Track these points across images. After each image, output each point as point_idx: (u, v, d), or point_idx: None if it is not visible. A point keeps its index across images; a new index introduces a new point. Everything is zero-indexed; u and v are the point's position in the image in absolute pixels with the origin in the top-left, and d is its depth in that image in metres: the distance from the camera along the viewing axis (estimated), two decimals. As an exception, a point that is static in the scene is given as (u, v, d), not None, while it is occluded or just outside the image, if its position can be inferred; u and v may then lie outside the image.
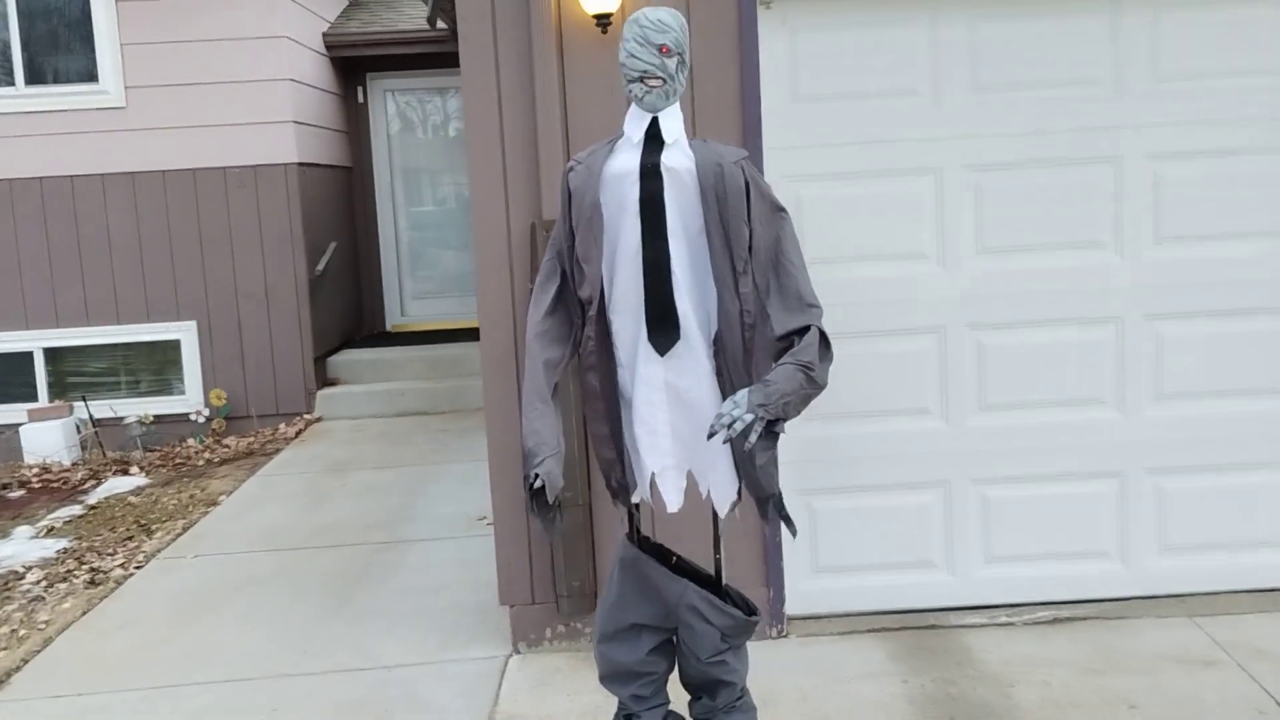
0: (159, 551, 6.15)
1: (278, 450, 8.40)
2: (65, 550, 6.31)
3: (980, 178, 4.33)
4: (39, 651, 4.85)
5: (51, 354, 9.07)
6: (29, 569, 6.02)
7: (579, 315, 3.19)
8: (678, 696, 3.42)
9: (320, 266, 9.42)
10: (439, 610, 4.99)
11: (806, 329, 3.07)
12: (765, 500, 3.20)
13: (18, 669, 4.68)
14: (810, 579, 4.52)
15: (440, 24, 7.78)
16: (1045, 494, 4.49)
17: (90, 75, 8.86)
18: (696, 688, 3.36)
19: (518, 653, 4.46)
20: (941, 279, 4.38)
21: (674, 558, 3.35)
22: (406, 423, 9.04)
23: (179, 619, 5.13)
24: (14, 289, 8.93)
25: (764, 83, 4.23)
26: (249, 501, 7.07)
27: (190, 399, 9.10)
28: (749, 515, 4.22)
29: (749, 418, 2.92)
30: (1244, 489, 4.48)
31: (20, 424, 8.69)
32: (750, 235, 3.08)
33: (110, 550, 6.25)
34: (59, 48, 8.90)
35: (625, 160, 3.09)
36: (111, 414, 8.93)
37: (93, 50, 8.83)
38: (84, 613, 5.28)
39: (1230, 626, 4.30)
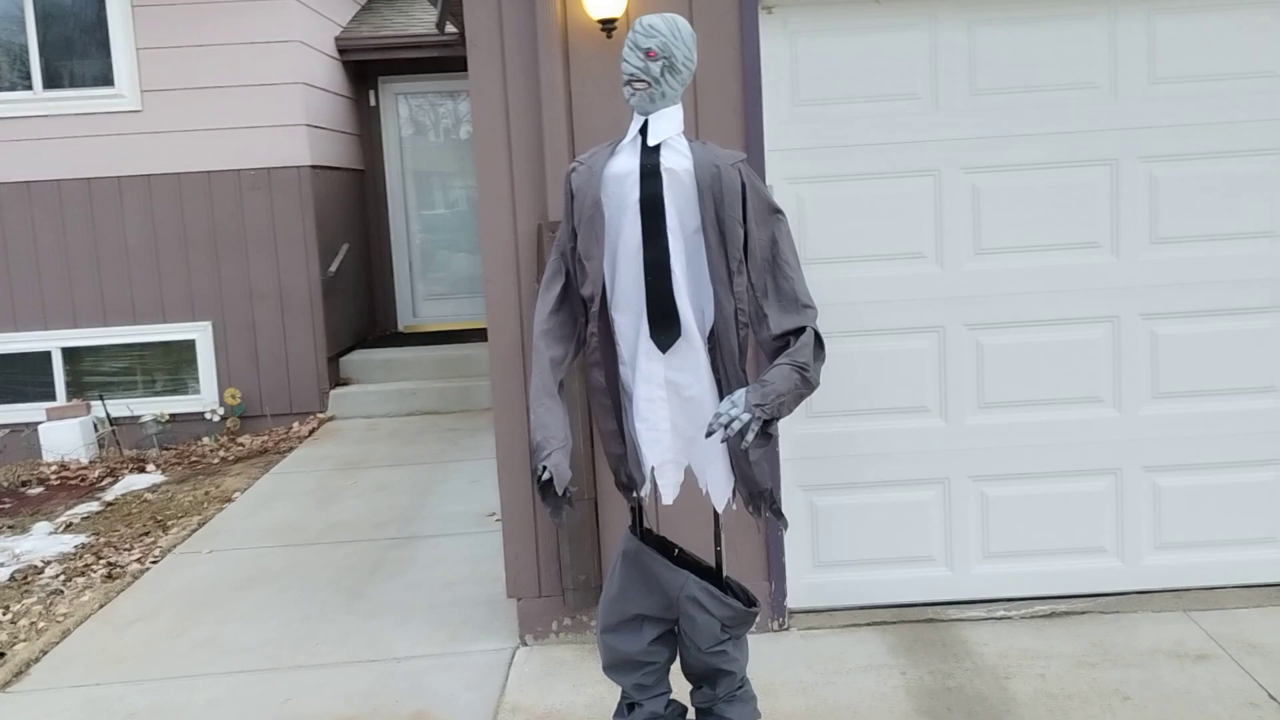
0: (174, 547, 6.26)
1: (291, 448, 8.52)
2: (83, 545, 6.43)
3: (978, 179, 4.40)
4: (58, 643, 4.96)
5: (69, 354, 9.20)
6: (48, 563, 6.14)
7: (583, 313, 3.28)
8: (680, 686, 3.51)
9: (333, 268, 9.53)
10: (448, 604, 5.08)
11: (802, 329, 3.16)
12: (757, 495, 3.28)
13: (37, 659, 4.79)
14: (812, 573, 4.60)
15: (450, 27, 7.89)
16: (1043, 491, 4.56)
17: (106, 79, 8.99)
18: (698, 677, 3.44)
19: (525, 645, 4.55)
20: (940, 279, 4.45)
21: (676, 550, 3.43)
22: (418, 422, 9.14)
23: (194, 612, 5.23)
24: (33, 290, 9.06)
25: (765, 86, 4.31)
26: (262, 498, 7.18)
27: (205, 398, 9.23)
28: (749, 512, 4.31)
29: (746, 417, 3.01)
30: (1239, 486, 4.55)
31: (39, 423, 8.83)
32: (746, 236, 3.16)
33: (127, 545, 6.36)
34: (75, 52, 9.03)
35: (625, 161, 3.18)
36: (128, 413, 9.06)
37: (109, 54, 8.96)
38: (101, 606, 5.39)
39: (1225, 621, 4.37)
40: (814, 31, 4.35)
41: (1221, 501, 4.56)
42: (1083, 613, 4.51)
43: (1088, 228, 4.43)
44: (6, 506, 7.54)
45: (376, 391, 9.52)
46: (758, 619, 4.35)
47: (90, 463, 8.56)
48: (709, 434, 3.06)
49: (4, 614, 5.42)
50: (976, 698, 3.91)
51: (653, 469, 3.28)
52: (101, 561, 6.09)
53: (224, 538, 6.39)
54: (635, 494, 3.37)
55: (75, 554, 6.29)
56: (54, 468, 8.45)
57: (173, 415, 9.07)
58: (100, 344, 9.20)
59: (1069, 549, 4.59)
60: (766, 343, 3.20)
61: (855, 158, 4.40)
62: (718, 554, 3.40)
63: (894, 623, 4.52)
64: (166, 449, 8.83)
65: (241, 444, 8.81)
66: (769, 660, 4.21)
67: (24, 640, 5.05)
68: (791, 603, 4.57)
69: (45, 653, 4.86)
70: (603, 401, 3.32)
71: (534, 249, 4.33)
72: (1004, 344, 4.48)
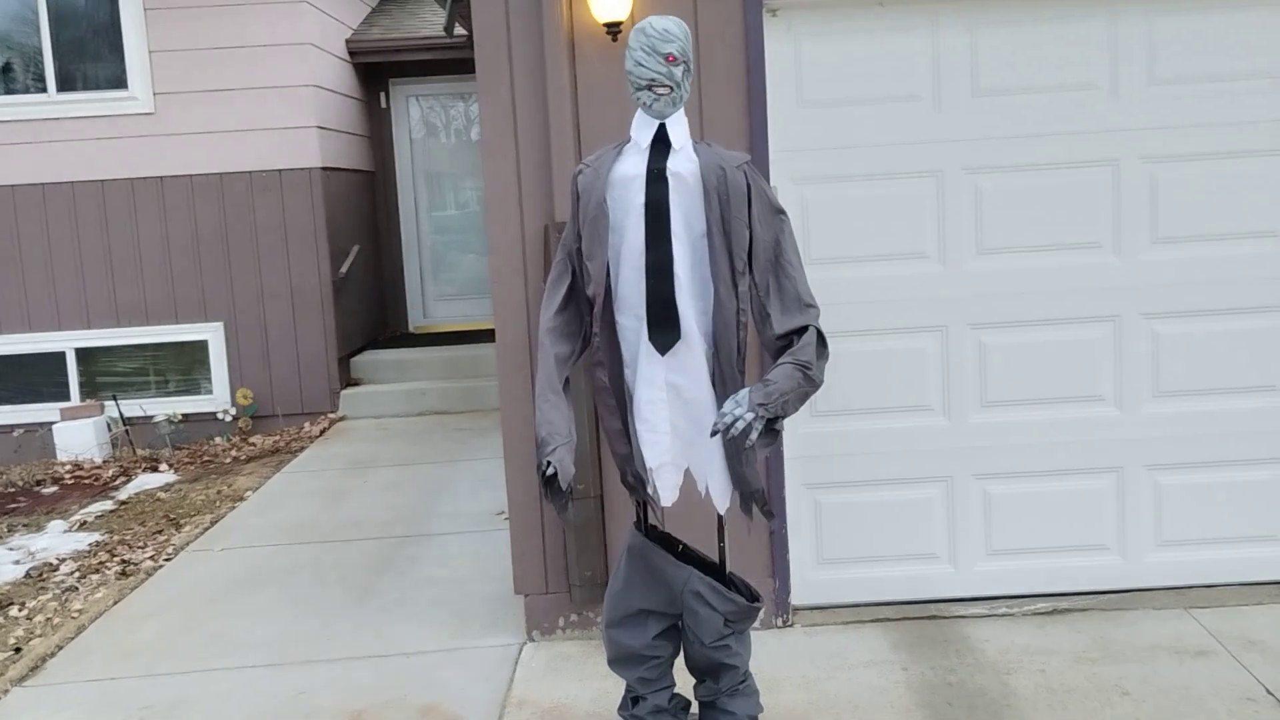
0: (187, 544, 6.33)
1: (302, 448, 8.59)
2: (97, 543, 6.51)
3: (980, 180, 4.45)
4: (73, 638, 5.03)
5: (83, 354, 9.29)
6: (63, 561, 6.22)
7: (588, 312, 3.33)
8: (684, 680, 3.56)
9: (344, 269, 9.61)
10: (457, 600, 5.14)
11: (805, 328, 3.21)
12: (748, 495, 3.33)
13: (53, 654, 4.86)
14: (815, 570, 4.65)
15: (459, 29, 7.94)
16: (1045, 489, 4.60)
17: (120, 82, 9.08)
18: (701, 671, 3.49)
19: (532, 640, 4.60)
20: (943, 279, 4.50)
21: (680, 546, 3.48)
22: (428, 422, 9.21)
23: (206, 608, 5.30)
24: (47, 291, 9.15)
25: (770, 88, 4.36)
26: (274, 497, 7.26)
27: (217, 398, 9.31)
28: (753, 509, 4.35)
29: (750, 416, 3.06)
30: (1240, 484, 4.58)
31: (53, 422, 8.92)
32: (751, 237, 3.21)
33: (140, 543, 6.44)
34: (89, 55, 9.11)
35: (631, 164, 3.23)
36: (141, 413, 9.15)
37: (122, 57, 9.04)
38: (115, 602, 5.46)
39: (1225, 618, 4.40)
40: (818, 34, 4.40)
41: (1223, 499, 4.59)
42: (1084, 610, 4.55)
43: (1089, 228, 4.47)
44: (22, 505, 7.62)
45: (387, 392, 9.59)
46: (761, 615, 4.41)
47: (104, 462, 8.64)
48: (714, 433, 3.11)
49: (20, 610, 5.50)
50: (977, 692, 3.96)
51: (651, 470, 3.33)
52: (115, 559, 6.17)
53: (236, 536, 6.46)
54: (645, 493, 3.42)
55: (89, 552, 6.36)
56: (68, 467, 8.54)
57: (185, 415, 9.15)
58: (113, 344, 9.29)
59: (1071, 546, 4.63)
60: (770, 342, 3.25)
61: (859, 158, 4.45)
62: (721, 550, 3.45)
63: (897, 619, 4.56)
64: (179, 448, 8.92)
65: (253, 443, 8.88)
66: (773, 656, 4.26)
67: (40, 636, 5.12)
68: (796, 600, 4.62)
69: (61, 648, 4.93)
70: (607, 401, 3.37)
71: (541, 249, 4.39)
72: (1006, 343, 4.52)
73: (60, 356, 9.27)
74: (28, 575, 6.04)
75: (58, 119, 9.03)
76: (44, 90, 9.06)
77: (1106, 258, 4.49)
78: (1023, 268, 4.48)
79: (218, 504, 7.18)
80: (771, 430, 3.14)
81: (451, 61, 10.27)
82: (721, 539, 3.44)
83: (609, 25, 4.21)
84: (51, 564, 6.19)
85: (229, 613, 5.22)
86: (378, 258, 10.94)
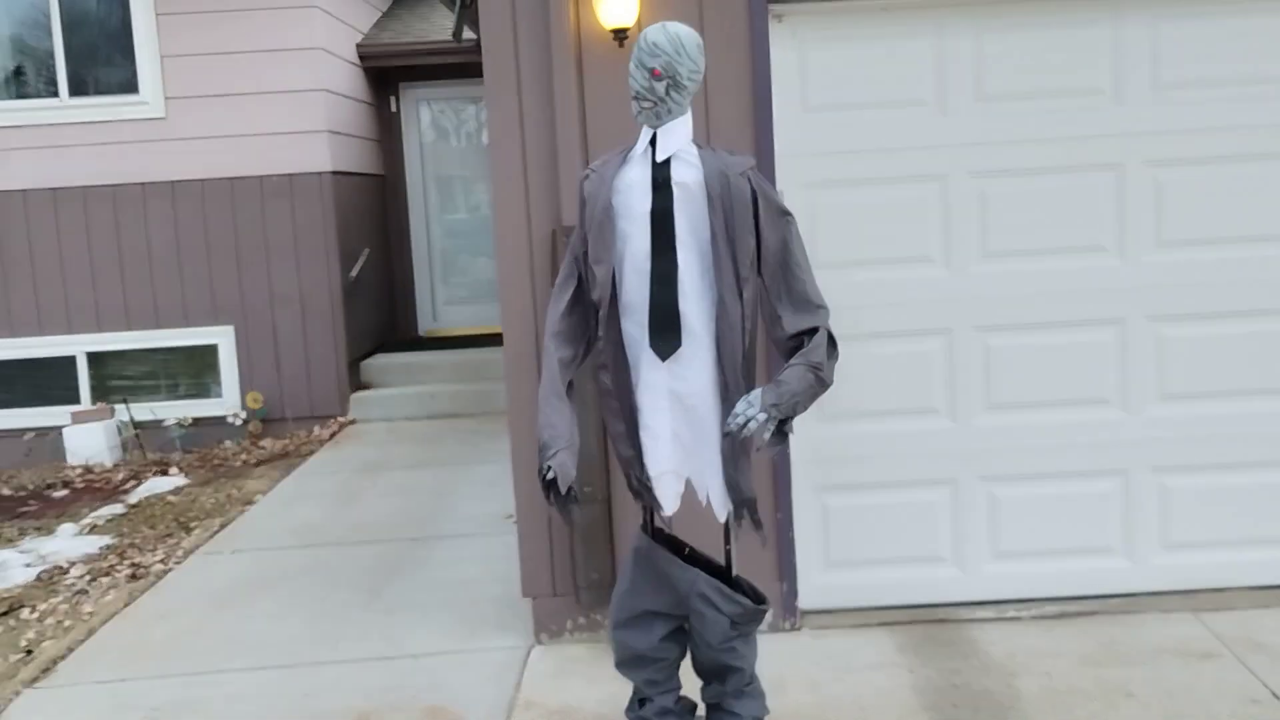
0: (197, 548, 6.37)
1: (312, 452, 8.63)
2: (108, 546, 6.55)
3: (985, 184, 4.46)
4: (83, 641, 5.06)
5: (94, 358, 9.34)
6: (73, 564, 6.26)
7: (594, 315, 3.35)
8: (690, 682, 3.58)
9: (354, 273, 9.64)
10: (465, 603, 5.17)
11: (815, 329, 3.23)
12: (741, 503, 3.34)
13: (64, 657, 4.89)
14: (823, 573, 4.66)
15: (468, 33, 7.98)
16: (1051, 492, 4.61)
17: (131, 87, 9.12)
18: (708, 673, 3.51)
19: (539, 643, 4.63)
20: (948, 282, 4.51)
21: (686, 549, 3.50)
22: (438, 425, 9.24)
23: (216, 611, 5.34)
24: (58, 295, 9.20)
25: (775, 93, 4.38)
26: (284, 500, 7.29)
27: (227, 402, 9.34)
28: (762, 511, 4.37)
29: (762, 417, 3.09)
30: (1247, 487, 4.58)
31: (64, 426, 8.96)
32: (760, 242, 3.23)
33: (151, 546, 6.48)
34: (101, 60, 9.17)
35: (636, 171, 3.25)
36: (151, 416, 9.18)
37: (133, 62, 9.09)
38: (126, 605, 5.50)
39: (1232, 621, 4.41)
40: (823, 40, 4.42)
41: (1230, 502, 4.60)
42: (1091, 613, 4.55)
43: (1094, 231, 4.48)
44: (33, 509, 7.67)
45: (397, 395, 9.62)
46: (769, 618, 4.43)
47: (114, 466, 8.69)
48: (726, 433, 3.13)
49: (31, 613, 5.54)
50: (982, 694, 3.97)
51: (653, 478, 3.35)
52: (126, 562, 6.21)
53: (246, 539, 6.50)
54: (651, 497, 3.43)
55: (100, 555, 6.40)
56: (79, 471, 8.59)
57: (195, 419, 9.19)
58: (124, 348, 9.33)
59: (1078, 549, 4.63)
60: (781, 343, 3.28)
61: (864, 163, 4.46)
62: (727, 553, 3.47)
63: (904, 623, 4.58)
64: (189, 452, 8.96)
65: (263, 447, 8.92)
66: (780, 658, 4.27)
67: (51, 638, 5.16)
68: (803, 603, 4.63)
69: (72, 650, 4.96)
70: (611, 405, 3.39)
71: (548, 254, 4.41)
72: (1012, 346, 4.54)
73: (71, 360, 9.32)
74: (39, 578, 6.08)
75: (70, 124, 9.07)
76: (56, 95, 9.12)
77: (1111, 261, 4.50)
78: (1028, 271, 4.49)
79: (228, 507, 7.21)
80: (781, 431, 3.17)
81: (461, 65, 10.28)
82: (728, 541, 3.46)
83: (615, 31, 4.23)
84: (62, 567, 6.23)
85: (238, 615, 5.25)
86: (388, 261, 10.98)
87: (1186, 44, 4.40)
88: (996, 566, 4.65)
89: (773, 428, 3.11)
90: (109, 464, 8.72)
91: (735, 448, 3.25)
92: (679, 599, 3.42)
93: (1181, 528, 4.61)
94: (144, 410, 9.20)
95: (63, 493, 8.06)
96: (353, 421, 9.44)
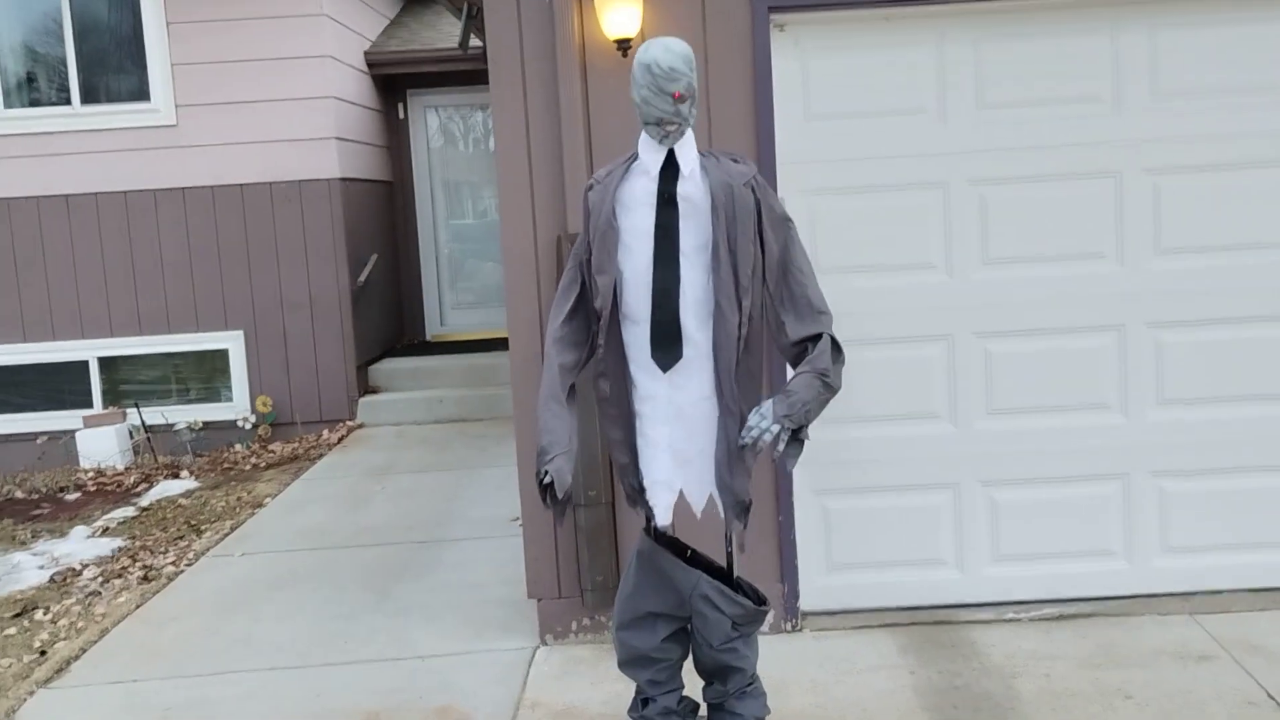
0: (208, 550, 6.44)
1: (321, 455, 8.70)
2: (120, 549, 6.62)
3: (985, 191, 4.52)
4: (96, 641, 5.13)
5: (106, 363, 9.43)
6: (86, 566, 6.33)
7: (596, 321, 3.40)
8: (692, 683, 3.64)
9: (362, 278, 9.72)
10: (472, 604, 5.23)
11: (819, 335, 3.28)
12: (735, 505, 3.35)
13: (77, 657, 4.96)
14: (824, 576, 4.72)
15: (475, 40, 8.05)
16: (1051, 495, 4.66)
17: (142, 94, 9.22)
18: (709, 673, 3.56)
19: (545, 644, 4.69)
20: (949, 288, 4.57)
21: (688, 551, 3.55)
22: (445, 429, 9.31)
23: (227, 612, 5.41)
24: (70, 300, 9.29)
25: (777, 101, 4.44)
26: (293, 503, 7.36)
27: (237, 406, 9.42)
28: (763, 514, 4.43)
29: (776, 428, 3.14)
30: (1244, 491, 4.63)
31: (77, 430, 9.05)
32: (763, 251, 3.27)
33: (162, 549, 6.55)
34: (112, 68, 9.27)
35: (640, 184, 3.28)
36: (162, 420, 9.28)
37: (145, 70, 9.19)
38: (138, 606, 5.57)
39: (1230, 624, 4.45)
40: (825, 49, 4.48)
41: (1228, 506, 4.64)
42: (1090, 615, 4.60)
43: (1093, 238, 4.53)
44: (45, 511, 7.75)
45: (405, 399, 9.69)
46: (771, 619, 4.50)
47: (126, 469, 8.77)
48: (741, 445, 3.18)
49: (45, 614, 5.62)
50: (982, 696, 4.02)
51: (646, 487, 3.41)
52: (137, 564, 6.28)
53: (256, 541, 6.57)
54: (644, 502, 3.49)
55: (112, 557, 6.48)
56: (91, 474, 8.67)
57: (206, 423, 9.28)
58: (136, 353, 9.42)
59: (1077, 552, 4.68)
60: (786, 349, 3.33)
61: (865, 170, 4.52)
62: (729, 555, 3.52)
63: (905, 624, 4.63)
64: (200, 455, 9.04)
65: (273, 451, 9.00)
66: (782, 660, 4.33)
67: (64, 639, 5.23)
68: (805, 605, 4.69)
69: (85, 650, 5.03)
70: (609, 411, 3.44)
71: (554, 260, 4.48)
72: (1012, 351, 4.59)
73: (84, 365, 9.41)
74: (52, 580, 6.16)
75: (82, 131, 9.17)
76: (68, 103, 9.21)
77: (1111, 267, 4.55)
78: (1028, 277, 4.55)
79: (238, 510, 7.29)
80: (797, 440, 3.22)
81: (469, 72, 10.34)
82: (729, 543, 3.51)
83: (619, 41, 4.30)
84: (75, 569, 6.30)
85: (249, 616, 5.32)
86: (396, 266, 11.05)
87: (1184, 53, 4.45)
88: (997, 569, 4.70)
89: (787, 438, 3.17)
90: (121, 467, 8.80)
91: (731, 454, 3.30)
92: (681, 600, 3.47)
93: (1180, 531, 4.66)
94: (155, 414, 9.29)
95: (75, 496, 8.14)
96: (361, 425, 9.51)
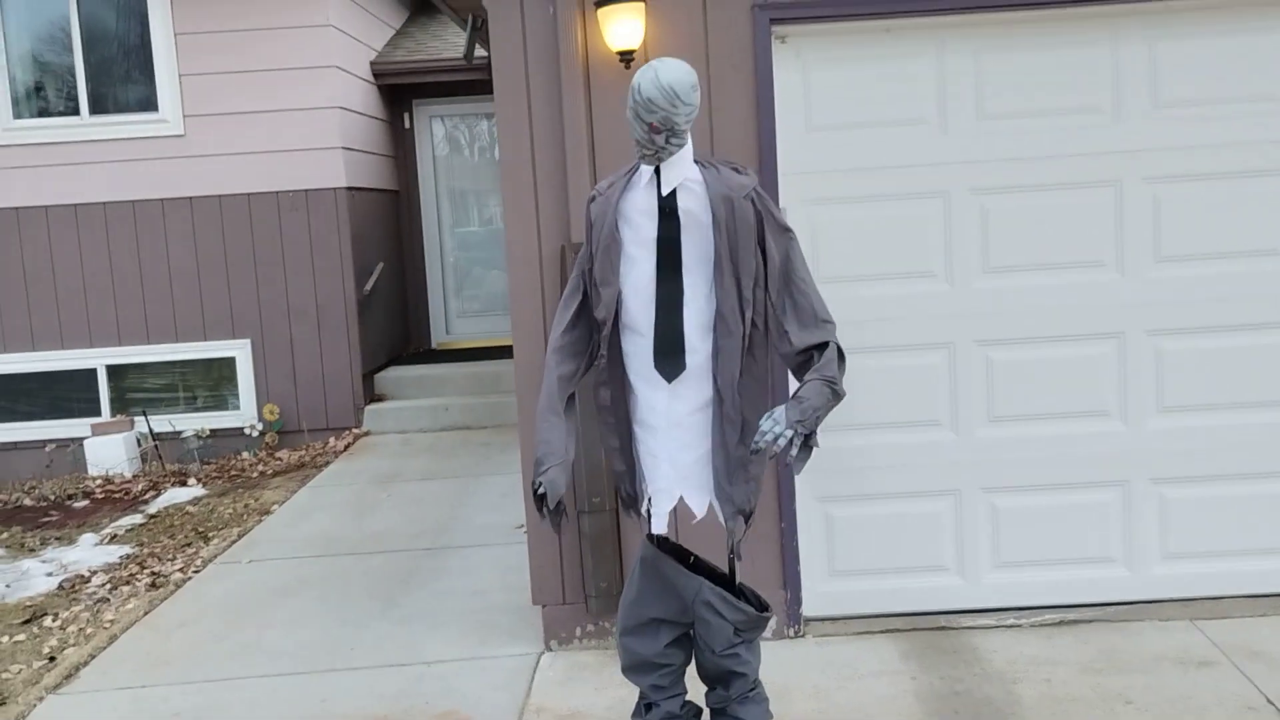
0: (215, 557, 6.49)
1: (327, 463, 8.74)
2: (128, 556, 6.67)
3: (986, 201, 4.56)
4: (105, 648, 5.18)
5: (114, 371, 9.49)
6: (94, 573, 6.38)
7: (598, 330, 3.44)
8: (695, 688, 3.67)
9: (368, 286, 9.77)
10: (478, 611, 5.27)
11: (824, 344, 3.32)
12: (736, 513, 3.39)
13: (85, 663, 5.01)
14: (827, 582, 4.75)
15: (480, 50, 8.10)
16: (1052, 502, 4.69)
17: (150, 104, 9.30)
18: (712, 679, 3.58)
19: (549, 650, 4.72)
20: (951, 297, 4.60)
21: (691, 557, 3.59)
22: (451, 437, 9.35)
23: (235, 618, 5.45)
24: (79, 309, 9.36)
25: (779, 112, 4.48)
26: (300, 511, 7.41)
27: (244, 414, 9.48)
28: (766, 521, 4.47)
29: (789, 434, 3.18)
30: (1245, 498, 4.66)
31: (84, 438, 9.11)
32: (765, 261, 3.31)
33: (170, 556, 6.60)
34: (121, 78, 9.34)
35: (641, 196, 3.31)
36: (170, 428, 9.33)
37: (153, 80, 9.26)
38: (146, 613, 5.61)
39: (1230, 630, 4.48)
40: (826, 60, 4.52)
41: (1228, 513, 4.67)
42: (1091, 621, 4.63)
43: (1093, 247, 4.57)
44: (54, 519, 7.80)
45: (411, 407, 9.73)
46: (773, 625, 4.53)
47: (134, 477, 8.82)
48: (753, 451, 3.22)
49: (54, 620, 5.66)
50: (983, 701, 4.05)
51: (648, 497, 3.45)
52: (145, 571, 6.33)
53: (263, 548, 6.61)
54: (634, 511, 3.53)
55: (120, 564, 6.53)
56: (99, 481, 8.73)
57: (213, 430, 9.34)
58: (143, 361, 9.48)
59: (1078, 559, 4.71)
60: (789, 357, 3.37)
61: (867, 180, 4.56)
62: (731, 560, 3.55)
63: (907, 630, 4.66)
64: (207, 463, 9.09)
65: (279, 458, 9.05)
66: (784, 665, 4.36)
67: (73, 645, 5.28)
68: (807, 611, 4.72)
69: (93, 657, 5.08)
70: (608, 420, 3.48)
71: (557, 270, 4.52)
72: (1013, 359, 4.62)
73: (91, 373, 9.47)
74: (60, 587, 6.21)
75: (90, 141, 9.24)
76: (77, 113, 9.29)
77: (1111, 276, 4.58)
78: (1028, 286, 4.58)
79: (245, 517, 7.33)
80: (806, 445, 3.26)
81: (474, 81, 10.43)
82: (731, 550, 3.54)
83: (622, 53, 4.34)
84: (83, 576, 6.35)
85: (257, 623, 5.36)
86: (401, 275, 11.11)
87: (1183, 63, 4.48)
88: (998, 575, 4.73)
89: (799, 443, 3.21)
90: (128, 475, 8.86)
91: (730, 463, 3.34)
92: (684, 606, 3.49)
93: (1180, 537, 4.69)
94: (163, 422, 9.35)
95: (83, 503, 8.20)
96: (367, 433, 9.55)
